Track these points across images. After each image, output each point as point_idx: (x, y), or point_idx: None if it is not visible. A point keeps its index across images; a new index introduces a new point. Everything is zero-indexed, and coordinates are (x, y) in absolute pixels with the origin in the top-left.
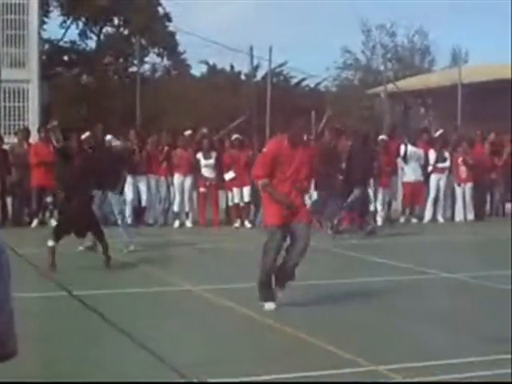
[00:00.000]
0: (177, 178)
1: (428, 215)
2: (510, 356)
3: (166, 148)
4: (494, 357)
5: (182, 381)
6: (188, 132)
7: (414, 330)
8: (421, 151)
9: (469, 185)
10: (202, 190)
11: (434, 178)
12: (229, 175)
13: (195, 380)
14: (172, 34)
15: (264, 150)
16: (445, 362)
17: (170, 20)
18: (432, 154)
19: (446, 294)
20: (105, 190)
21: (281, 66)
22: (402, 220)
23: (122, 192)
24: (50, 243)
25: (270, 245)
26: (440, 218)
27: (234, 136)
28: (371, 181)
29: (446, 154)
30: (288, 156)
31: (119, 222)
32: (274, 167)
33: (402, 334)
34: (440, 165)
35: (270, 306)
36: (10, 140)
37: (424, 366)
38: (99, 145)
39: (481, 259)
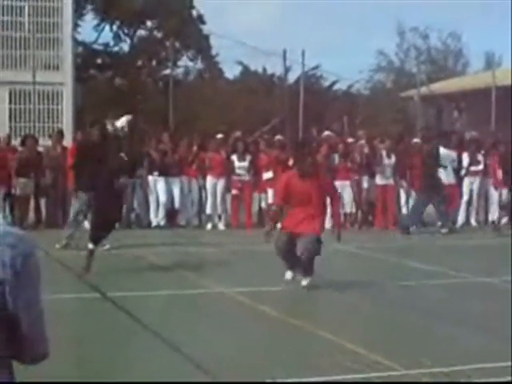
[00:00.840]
0: (209, 180)
1: (461, 218)
2: None
3: (195, 149)
4: None
5: (211, 381)
6: (220, 135)
7: (447, 333)
8: (454, 154)
9: (505, 189)
10: (235, 192)
11: (467, 181)
12: (267, 175)
13: (225, 380)
14: (205, 37)
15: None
16: (477, 367)
17: (203, 23)
18: (465, 157)
19: (479, 298)
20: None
21: (314, 69)
22: (438, 224)
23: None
24: (90, 246)
25: (278, 243)
26: (473, 222)
27: (277, 137)
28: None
29: (480, 157)
30: (296, 187)
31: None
32: (287, 195)
33: (436, 338)
34: (473, 168)
35: (287, 274)
36: (45, 142)
37: (456, 370)
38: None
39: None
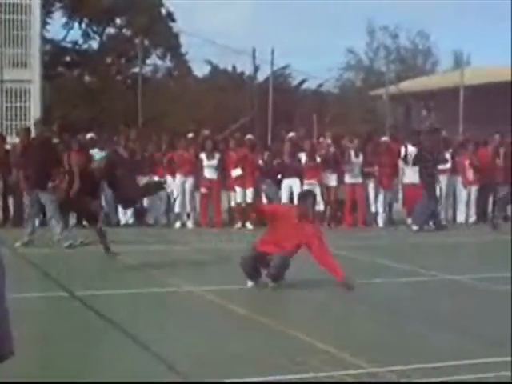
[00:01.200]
0: (178, 178)
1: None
2: (510, 358)
3: (164, 147)
4: (494, 359)
5: (182, 381)
6: (191, 135)
7: (415, 331)
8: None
9: (475, 187)
10: (203, 190)
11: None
12: (236, 172)
13: (195, 380)
14: (175, 35)
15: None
16: (445, 364)
17: (173, 20)
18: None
19: (447, 296)
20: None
21: (283, 68)
22: (408, 221)
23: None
24: (99, 225)
25: (245, 256)
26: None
27: (247, 136)
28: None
29: (447, 156)
30: (287, 221)
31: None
32: (271, 217)
33: (403, 336)
34: (441, 166)
35: (249, 283)
36: (12, 140)
37: (421, 368)
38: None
39: (482, 261)
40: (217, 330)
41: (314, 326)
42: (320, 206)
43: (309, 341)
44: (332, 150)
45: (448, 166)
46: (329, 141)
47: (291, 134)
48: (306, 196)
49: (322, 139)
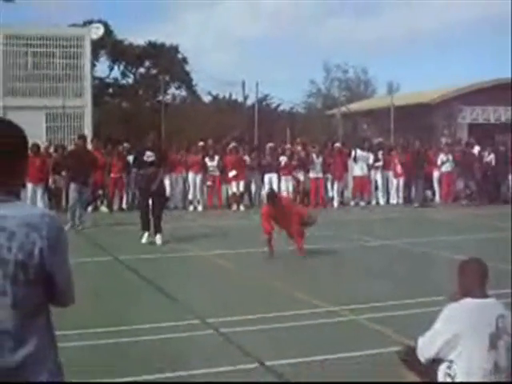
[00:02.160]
0: (191, 175)
1: (374, 199)
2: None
3: (184, 153)
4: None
5: (196, 322)
6: (201, 143)
7: (359, 281)
8: (365, 154)
9: (402, 178)
10: (209, 183)
11: (372, 173)
12: (232, 173)
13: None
14: (187, 73)
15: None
16: (383, 304)
17: (186, 62)
18: (371, 156)
19: (382, 256)
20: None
21: (266, 96)
22: (352, 203)
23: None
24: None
25: None
26: (381, 202)
27: (232, 145)
28: (329, 176)
29: (380, 156)
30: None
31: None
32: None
33: (350, 284)
34: (376, 163)
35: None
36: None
37: (368, 307)
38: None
39: (409, 230)
40: (219, 282)
41: (296, 281)
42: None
43: (287, 291)
44: (302, 154)
45: (380, 163)
46: (299, 148)
47: (270, 144)
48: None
49: (297, 147)
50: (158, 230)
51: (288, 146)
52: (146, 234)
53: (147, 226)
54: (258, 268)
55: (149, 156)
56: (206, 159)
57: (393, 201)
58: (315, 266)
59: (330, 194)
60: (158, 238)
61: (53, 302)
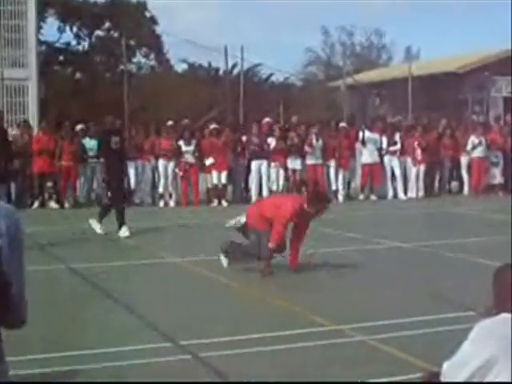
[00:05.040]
0: (161, 163)
1: (390, 192)
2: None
3: (152, 136)
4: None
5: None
6: (170, 122)
7: (372, 293)
8: (377, 136)
9: (422, 165)
10: (182, 173)
11: (386, 159)
12: (209, 161)
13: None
14: (157, 36)
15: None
16: (399, 322)
17: (155, 23)
18: (384, 139)
19: (399, 262)
20: None
21: (256, 66)
22: (361, 197)
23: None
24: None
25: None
26: (397, 195)
27: (212, 126)
28: (332, 163)
29: (397, 138)
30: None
31: None
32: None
33: (360, 297)
34: (391, 148)
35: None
36: (13, 132)
37: (380, 325)
38: None
39: (432, 230)
40: (196, 296)
41: (293, 293)
42: (279, 187)
43: (283, 304)
44: (296, 140)
45: (397, 147)
46: (292, 134)
47: (267, 119)
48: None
49: (291, 127)
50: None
51: (280, 125)
52: (125, 228)
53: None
54: (245, 278)
55: (116, 142)
56: (181, 143)
57: (411, 194)
58: (316, 275)
59: (334, 186)
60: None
61: (2, 319)
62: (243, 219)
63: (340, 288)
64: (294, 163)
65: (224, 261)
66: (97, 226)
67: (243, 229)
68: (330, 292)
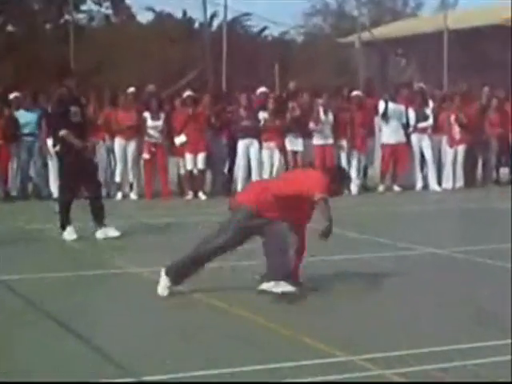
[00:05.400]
0: (118, 143)
1: (419, 182)
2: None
3: (106, 107)
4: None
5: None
6: (131, 89)
7: (399, 314)
8: (402, 108)
9: (462, 147)
10: (147, 156)
11: (414, 139)
12: (180, 139)
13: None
14: None
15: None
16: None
17: None
18: (411, 112)
19: (432, 273)
20: None
21: (243, 16)
22: (381, 189)
23: None
24: None
25: None
26: (434, 186)
27: (186, 93)
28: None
29: (428, 112)
30: None
31: None
32: None
33: (384, 319)
34: (421, 124)
35: None
36: None
37: (407, 354)
38: None
39: (473, 232)
40: (163, 316)
41: (289, 314)
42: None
43: (274, 329)
44: (297, 112)
45: (429, 123)
46: (292, 105)
47: (262, 89)
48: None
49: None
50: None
51: (275, 94)
52: (70, 229)
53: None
54: (225, 293)
55: (76, 113)
56: (145, 116)
57: (447, 184)
58: (322, 290)
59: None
60: (112, 231)
61: None
62: None
63: (356, 308)
64: (294, 144)
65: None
66: (108, 231)
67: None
68: (343, 314)
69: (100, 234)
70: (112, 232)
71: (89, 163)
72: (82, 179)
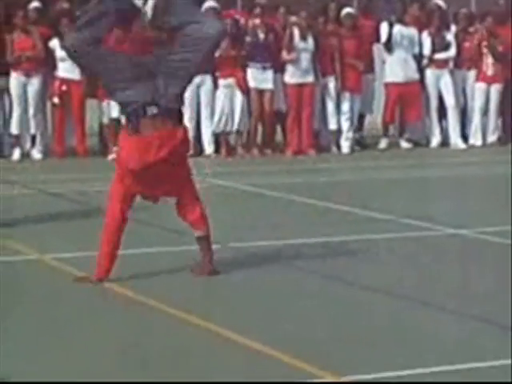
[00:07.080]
0: (15, 80)
1: (436, 136)
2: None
3: None
4: None
5: None
6: (35, 4)
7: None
8: (413, 32)
9: (496, 87)
10: (56, 99)
11: (430, 75)
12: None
13: None
14: None
15: None
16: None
17: None
18: (426, 37)
19: (453, 262)
20: None
21: None
22: (382, 145)
23: None
24: None
25: None
26: (457, 140)
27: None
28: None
29: (449, 37)
30: None
31: None
32: None
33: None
34: (439, 55)
35: None
36: None
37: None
38: None
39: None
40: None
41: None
42: (245, 125)
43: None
44: (262, 36)
45: (450, 53)
46: (256, 24)
47: (210, 3)
48: None
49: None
50: None
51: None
52: None
53: None
54: (159, 290)
55: None
56: (54, 43)
57: (475, 139)
58: (305, 287)
59: (333, 123)
60: None
61: None
62: None
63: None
64: (260, 79)
65: None
66: None
67: None
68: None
69: None
70: None
71: None
72: None
